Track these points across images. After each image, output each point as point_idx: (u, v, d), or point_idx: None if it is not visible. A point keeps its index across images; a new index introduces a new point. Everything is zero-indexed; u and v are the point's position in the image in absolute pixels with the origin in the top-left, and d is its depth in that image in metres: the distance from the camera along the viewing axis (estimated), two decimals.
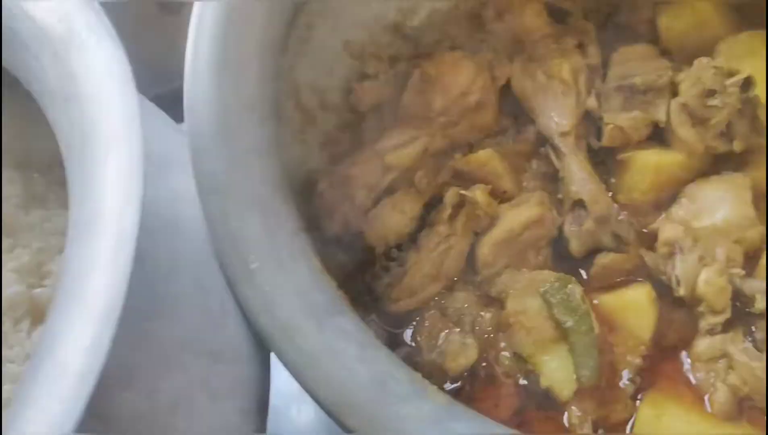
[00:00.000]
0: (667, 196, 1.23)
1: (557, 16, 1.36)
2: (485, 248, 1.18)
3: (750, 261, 1.15)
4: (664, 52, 1.36)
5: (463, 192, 1.17)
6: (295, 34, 1.19)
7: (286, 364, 0.89)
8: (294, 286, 0.92)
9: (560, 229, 1.21)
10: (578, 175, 1.19)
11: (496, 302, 1.19)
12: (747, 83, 1.15)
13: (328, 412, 0.88)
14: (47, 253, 1.07)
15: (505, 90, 1.30)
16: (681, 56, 1.35)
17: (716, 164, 1.23)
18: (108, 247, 0.55)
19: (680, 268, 1.11)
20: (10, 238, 1.06)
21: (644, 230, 1.22)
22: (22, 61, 0.74)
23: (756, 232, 1.15)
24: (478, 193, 1.18)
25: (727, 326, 1.11)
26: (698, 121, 1.18)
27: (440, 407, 0.86)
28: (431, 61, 1.25)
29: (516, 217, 1.19)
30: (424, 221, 1.22)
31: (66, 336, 0.51)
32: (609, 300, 1.19)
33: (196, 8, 1.04)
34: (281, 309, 0.91)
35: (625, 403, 1.10)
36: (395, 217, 1.19)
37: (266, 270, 0.92)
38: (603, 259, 1.19)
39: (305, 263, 0.96)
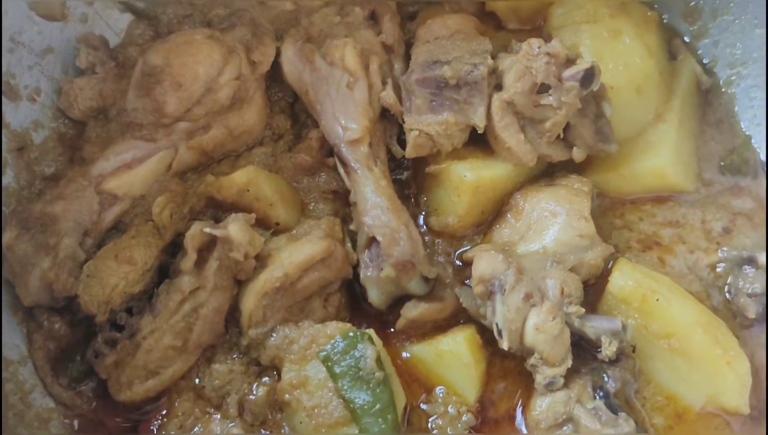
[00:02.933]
0: (490, 215, 0.95)
1: None
2: (251, 301, 0.86)
3: (591, 291, 0.90)
4: (490, 18, 1.07)
5: (208, 229, 0.84)
6: None
7: None
8: None
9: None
10: (372, 201, 0.87)
11: (272, 370, 0.88)
12: (588, 75, 0.84)
13: None
14: None
15: (280, 79, 0.98)
16: (513, 23, 1.07)
17: (550, 165, 0.97)
18: None
19: (500, 314, 0.83)
20: None
21: (462, 261, 0.94)
22: None
23: (597, 254, 0.88)
24: (234, 228, 0.84)
25: (570, 379, 0.85)
26: (528, 122, 0.90)
27: None
28: (157, 48, 0.89)
29: (293, 256, 0.86)
30: (168, 271, 0.89)
31: None
32: (422, 352, 0.90)
33: None
34: None
35: None
36: (120, 270, 0.85)
37: None
38: (411, 312, 0.88)
39: None
